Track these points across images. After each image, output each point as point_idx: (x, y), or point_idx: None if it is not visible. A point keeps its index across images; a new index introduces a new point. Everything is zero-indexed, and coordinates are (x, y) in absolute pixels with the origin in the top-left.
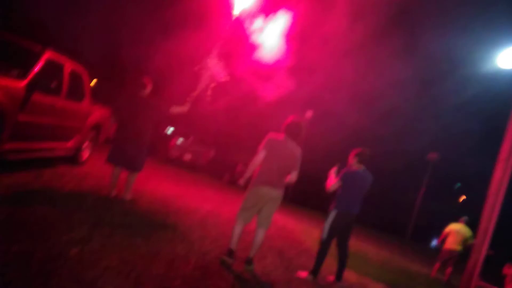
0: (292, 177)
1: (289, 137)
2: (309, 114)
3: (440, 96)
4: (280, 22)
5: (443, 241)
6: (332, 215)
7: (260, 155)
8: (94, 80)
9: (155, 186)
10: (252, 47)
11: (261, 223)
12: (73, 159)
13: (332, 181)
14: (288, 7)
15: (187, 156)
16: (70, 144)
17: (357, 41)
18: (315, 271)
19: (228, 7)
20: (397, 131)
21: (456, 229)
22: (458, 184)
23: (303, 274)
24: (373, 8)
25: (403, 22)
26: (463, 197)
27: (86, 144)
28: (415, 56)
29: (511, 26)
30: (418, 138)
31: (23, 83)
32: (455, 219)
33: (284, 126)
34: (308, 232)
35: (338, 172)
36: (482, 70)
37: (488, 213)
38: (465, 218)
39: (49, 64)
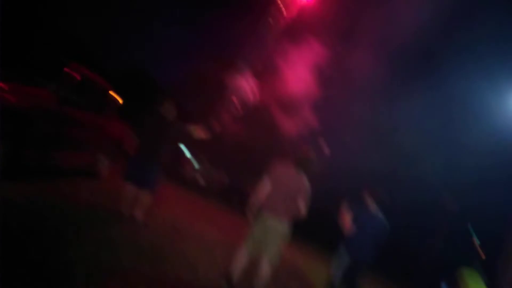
0: (301, 209)
1: (297, 167)
2: (323, 146)
3: (461, 140)
4: (307, 57)
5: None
6: (341, 259)
7: (263, 183)
8: (120, 98)
9: (167, 208)
10: (279, 74)
11: (266, 254)
12: (92, 173)
13: (348, 221)
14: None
15: (201, 179)
16: (90, 157)
17: (378, 81)
18: None
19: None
20: (413, 175)
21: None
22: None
23: None
24: (392, 51)
25: (427, 66)
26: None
27: (106, 159)
28: (437, 99)
29: None
30: (434, 183)
31: (51, 94)
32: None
33: (295, 155)
34: (318, 270)
35: (348, 208)
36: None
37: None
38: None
39: (78, 79)
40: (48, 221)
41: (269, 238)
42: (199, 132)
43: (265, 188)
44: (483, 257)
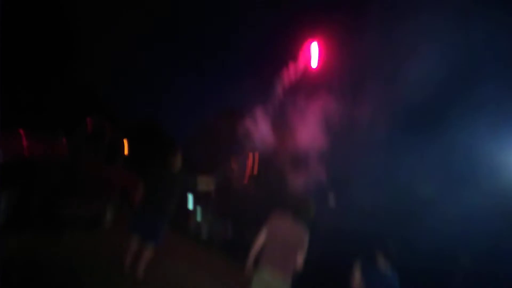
0: (299, 260)
1: (296, 216)
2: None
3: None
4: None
5: None
6: None
7: (261, 235)
8: (130, 149)
9: (169, 263)
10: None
11: None
12: (97, 223)
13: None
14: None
15: (205, 231)
16: (96, 207)
17: (384, 135)
18: None
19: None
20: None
21: None
22: None
23: None
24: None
25: (430, 117)
26: None
27: (112, 209)
28: (441, 152)
29: None
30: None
31: (62, 144)
32: None
33: (293, 205)
34: None
35: (360, 269)
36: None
37: None
38: None
39: (89, 130)
40: (49, 273)
41: None
42: (205, 184)
43: (262, 241)
44: None
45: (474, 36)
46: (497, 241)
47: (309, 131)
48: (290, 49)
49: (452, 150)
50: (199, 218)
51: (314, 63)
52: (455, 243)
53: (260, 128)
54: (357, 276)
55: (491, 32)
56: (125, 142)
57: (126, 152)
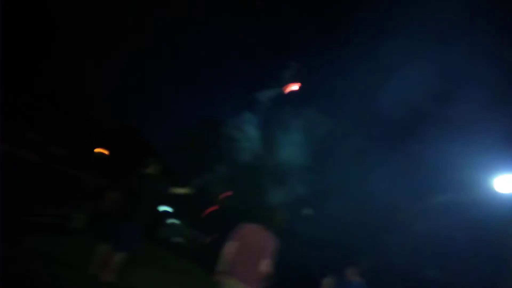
0: (264, 266)
1: (266, 226)
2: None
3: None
4: None
5: None
6: None
7: (229, 245)
8: (107, 154)
9: (138, 270)
10: None
11: None
12: (67, 228)
13: None
14: None
15: (178, 239)
16: (67, 212)
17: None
18: None
19: None
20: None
21: None
22: None
23: None
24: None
25: (401, 140)
26: None
27: (83, 214)
28: (409, 177)
29: (506, 153)
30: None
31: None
32: None
33: (264, 215)
34: None
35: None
36: (479, 193)
37: None
38: None
39: (64, 134)
40: (11, 281)
41: None
42: (181, 191)
43: (231, 250)
44: None
45: (449, 60)
46: (465, 256)
47: (287, 143)
48: (269, 66)
49: (419, 164)
50: (173, 224)
51: (292, 80)
52: (423, 255)
53: (239, 138)
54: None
55: (466, 56)
56: (102, 147)
57: (104, 157)
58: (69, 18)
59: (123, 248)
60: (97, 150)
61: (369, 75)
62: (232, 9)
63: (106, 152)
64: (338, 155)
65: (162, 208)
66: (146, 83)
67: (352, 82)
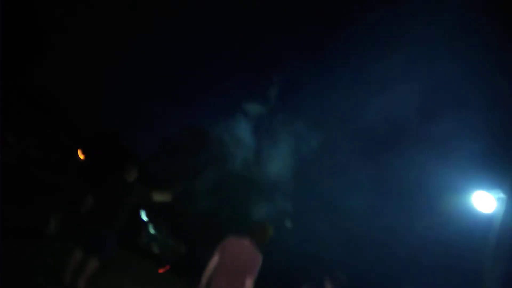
0: (247, 285)
1: (251, 240)
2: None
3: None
4: None
5: None
6: None
7: (213, 259)
8: (86, 159)
9: (112, 278)
10: None
11: None
12: (40, 233)
13: None
14: None
15: (156, 248)
16: (40, 217)
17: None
18: None
19: None
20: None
21: None
22: None
23: None
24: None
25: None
26: None
27: (57, 219)
28: (386, 190)
29: (484, 170)
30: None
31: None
32: None
33: (249, 228)
34: None
35: None
36: (456, 210)
37: None
38: None
39: (40, 136)
40: None
41: None
42: (161, 197)
43: (214, 263)
44: None
45: (433, 78)
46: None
47: (271, 155)
48: (254, 78)
49: (399, 181)
50: (150, 232)
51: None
52: (400, 269)
53: (223, 147)
54: None
55: (449, 75)
56: (82, 151)
57: (82, 161)
58: (53, 19)
59: (97, 254)
60: (78, 154)
61: (351, 91)
62: (220, 17)
63: (86, 157)
64: (321, 170)
65: (142, 215)
66: (131, 89)
67: (333, 99)
